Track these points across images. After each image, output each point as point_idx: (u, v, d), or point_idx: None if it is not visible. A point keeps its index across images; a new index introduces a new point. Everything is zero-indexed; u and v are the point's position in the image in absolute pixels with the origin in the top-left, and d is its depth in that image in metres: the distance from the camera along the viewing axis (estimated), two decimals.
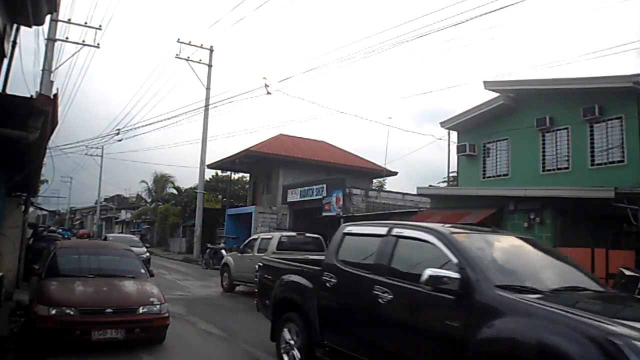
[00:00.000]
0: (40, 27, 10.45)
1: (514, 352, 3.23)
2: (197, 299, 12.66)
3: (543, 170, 14.54)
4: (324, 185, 21.98)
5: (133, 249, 9.85)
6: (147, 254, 19.37)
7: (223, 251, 24.69)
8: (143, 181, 49.55)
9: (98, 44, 17.86)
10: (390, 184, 35.04)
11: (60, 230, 33.92)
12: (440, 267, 3.92)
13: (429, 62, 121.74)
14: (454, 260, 3.96)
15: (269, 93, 18.88)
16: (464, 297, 3.68)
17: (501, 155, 16.06)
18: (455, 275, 3.74)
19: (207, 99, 23.95)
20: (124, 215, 59.17)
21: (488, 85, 15.56)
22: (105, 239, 24.57)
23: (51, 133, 6.61)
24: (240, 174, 36.02)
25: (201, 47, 24.15)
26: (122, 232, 55.80)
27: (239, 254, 14.79)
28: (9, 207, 10.44)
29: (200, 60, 24.10)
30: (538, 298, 3.53)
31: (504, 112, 15.69)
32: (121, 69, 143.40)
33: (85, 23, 17.60)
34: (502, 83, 15.68)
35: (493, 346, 3.40)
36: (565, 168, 13.96)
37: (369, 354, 4.57)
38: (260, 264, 6.80)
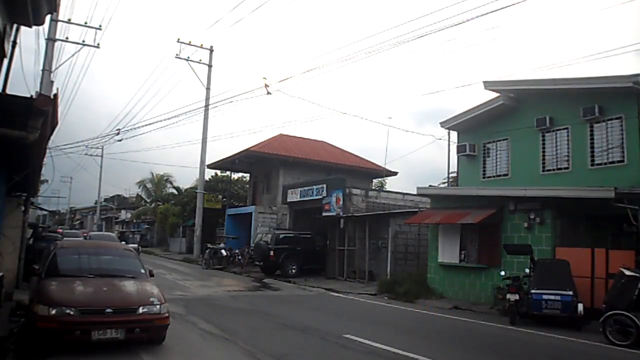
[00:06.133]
0: (40, 27, 10.46)
1: None
2: (197, 299, 12.67)
3: (543, 170, 14.53)
4: (324, 185, 21.96)
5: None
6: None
7: (223, 251, 24.75)
8: (140, 182, 49.62)
9: (98, 44, 17.92)
10: (390, 184, 35.07)
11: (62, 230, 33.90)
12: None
13: (429, 63, 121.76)
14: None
15: (269, 93, 18.92)
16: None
17: (501, 155, 16.05)
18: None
19: (207, 99, 23.99)
20: (124, 215, 59.21)
21: (488, 85, 15.55)
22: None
23: (51, 133, 6.62)
24: (240, 174, 36.01)
25: (201, 47, 24.22)
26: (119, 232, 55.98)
27: None
28: (9, 207, 10.44)
29: (200, 60, 24.17)
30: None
31: (504, 112, 15.68)
32: (121, 69, 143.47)
33: (85, 23, 17.65)
34: (502, 83, 15.66)
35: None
36: (565, 168, 13.95)
37: None
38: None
